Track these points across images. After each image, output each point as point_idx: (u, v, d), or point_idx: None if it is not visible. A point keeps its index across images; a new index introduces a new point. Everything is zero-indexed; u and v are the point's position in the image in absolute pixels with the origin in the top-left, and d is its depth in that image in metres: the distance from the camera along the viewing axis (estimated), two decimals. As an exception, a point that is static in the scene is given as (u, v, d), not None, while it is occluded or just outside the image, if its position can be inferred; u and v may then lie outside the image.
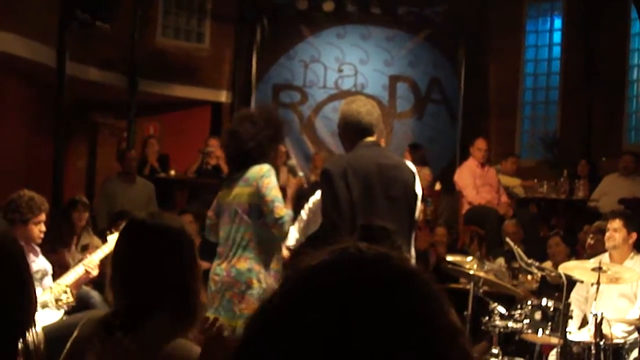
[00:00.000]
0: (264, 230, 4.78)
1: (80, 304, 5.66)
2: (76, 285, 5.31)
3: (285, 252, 5.58)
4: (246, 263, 4.76)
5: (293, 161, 5.61)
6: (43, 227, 5.29)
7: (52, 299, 5.05)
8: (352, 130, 4.53)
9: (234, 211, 4.85)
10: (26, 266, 1.92)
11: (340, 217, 4.22)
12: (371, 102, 4.75)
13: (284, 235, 4.87)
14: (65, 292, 5.05)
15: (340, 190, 4.28)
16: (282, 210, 4.70)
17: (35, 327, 1.91)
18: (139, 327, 2.33)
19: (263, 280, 4.74)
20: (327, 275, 1.01)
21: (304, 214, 5.49)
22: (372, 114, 4.54)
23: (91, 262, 5.29)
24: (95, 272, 5.30)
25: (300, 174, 5.22)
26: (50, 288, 5.11)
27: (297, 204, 5.27)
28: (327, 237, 4.15)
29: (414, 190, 4.59)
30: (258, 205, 4.76)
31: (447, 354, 0.99)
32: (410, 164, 4.78)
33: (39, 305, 4.93)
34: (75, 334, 2.47)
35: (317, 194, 5.49)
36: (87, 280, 5.44)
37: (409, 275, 1.03)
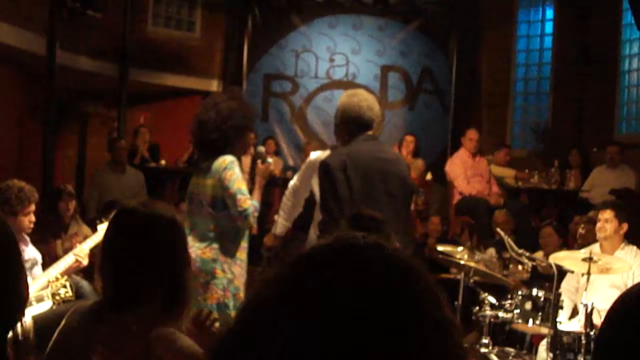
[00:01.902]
0: (228, 221, 4.73)
1: (71, 293, 5.63)
2: (65, 274, 5.28)
3: (273, 240, 5.58)
4: (211, 253, 4.72)
5: (262, 148, 5.51)
6: (32, 218, 5.25)
7: (48, 293, 4.99)
8: (352, 124, 4.55)
9: (199, 202, 4.81)
10: (19, 255, 1.90)
11: (340, 210, 4.22)
12: (371, 96, 4.75)
13: (249, 227, 4.84)
14: (65, 286, 4.98)
15: (340, 183, 4.29)
16: (246, 202, 4.64)
17: (24, 317, 1.89)
18: (127, 315, 2.32)
19: (228, 269, 4.72)
20: (322, 262, 1.02)
21: (286, 200, 5.47)
22: (372, 109, 4.57)
23: (81, 251, 5.25)
24: (85, 262, 5.26)
25: (269, 160, 5.14)
26: (49, 281, 5.04)
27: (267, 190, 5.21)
28: (327, 229, 4.16)
29: (410, 185, 4.65)
30: (222, 197, 4.71)
31: (437, 344, 0.99)
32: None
33: (34, 299, 4.92)
34: (62, 323, 2.46)
35: (295, 178, 5.49)
36: (77, 269, 5.40)
37: (403, 264, 1.03)
